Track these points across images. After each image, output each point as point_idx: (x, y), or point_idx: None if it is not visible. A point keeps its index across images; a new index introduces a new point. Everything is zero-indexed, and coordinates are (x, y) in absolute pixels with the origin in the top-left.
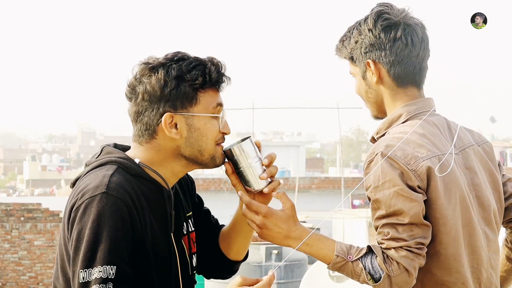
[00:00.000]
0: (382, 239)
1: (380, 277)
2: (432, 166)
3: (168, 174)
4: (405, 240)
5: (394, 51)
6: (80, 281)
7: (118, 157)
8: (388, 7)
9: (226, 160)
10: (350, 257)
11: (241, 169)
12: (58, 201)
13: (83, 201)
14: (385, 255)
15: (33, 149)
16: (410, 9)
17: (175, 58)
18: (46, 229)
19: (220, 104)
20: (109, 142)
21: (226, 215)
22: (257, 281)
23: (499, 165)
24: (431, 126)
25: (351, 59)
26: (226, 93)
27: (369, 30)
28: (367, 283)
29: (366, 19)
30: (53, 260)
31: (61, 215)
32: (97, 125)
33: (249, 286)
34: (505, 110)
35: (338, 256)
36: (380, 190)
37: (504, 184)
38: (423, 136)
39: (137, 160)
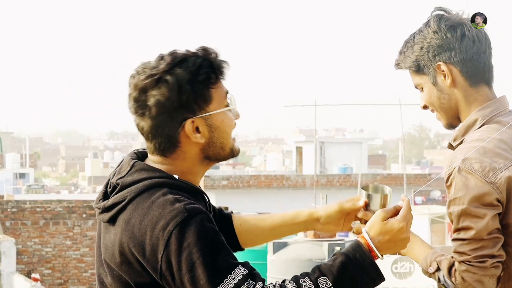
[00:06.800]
0: (452, 251)
1: None
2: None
3: (198, 179)
4: (467, 255)
5: (463, 49)
6: None
7: (161, 177)
8: (445, 10)
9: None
10: (430, 270)
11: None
12: None
13: (168, 233)
14: (453, 268)
15: (95, 146)
16: (465, 12)
17: (176, 61)
18: None
19: (227, 92)
20: None
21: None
22: (395, 210)
23: None
24: (508, 129)
25: (417, 67)
26: (288, 91)
27: (434, 32)
28: None
29: (427, 24)
30: None
31: None
32: None
33: (392, 217)
34: None
35: (422, 269)
36: (452, 204)
37: None
38: (501, 141)
39: (176, 176)
